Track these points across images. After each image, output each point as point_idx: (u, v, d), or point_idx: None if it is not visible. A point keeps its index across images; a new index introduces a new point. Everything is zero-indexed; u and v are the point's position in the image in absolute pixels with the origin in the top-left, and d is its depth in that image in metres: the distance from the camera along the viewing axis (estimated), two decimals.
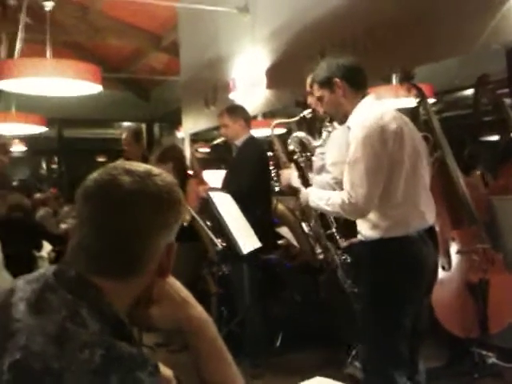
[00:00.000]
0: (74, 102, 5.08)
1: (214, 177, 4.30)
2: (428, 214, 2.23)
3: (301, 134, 2.81)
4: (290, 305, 3.97)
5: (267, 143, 3.37)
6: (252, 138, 3.80)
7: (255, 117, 4.93)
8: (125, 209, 0.94)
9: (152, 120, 10.25)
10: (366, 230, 2.23)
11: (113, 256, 0.95)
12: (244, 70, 4.87)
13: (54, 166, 10.81)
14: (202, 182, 3.99)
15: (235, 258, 3.26)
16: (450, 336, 3.02)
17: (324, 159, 2.73)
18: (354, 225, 2.31)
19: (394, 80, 4.09)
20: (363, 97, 2.25)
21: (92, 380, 0.82)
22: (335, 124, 2.51)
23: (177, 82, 6.79)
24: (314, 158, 2.85)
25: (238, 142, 3.77)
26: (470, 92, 4.42)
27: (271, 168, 3.63)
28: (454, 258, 3.07)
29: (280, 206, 4.02)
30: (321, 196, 2.30)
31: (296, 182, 2.54)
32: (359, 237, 2.29)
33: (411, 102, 2.98)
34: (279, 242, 4.13)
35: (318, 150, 2.82)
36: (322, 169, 2.73)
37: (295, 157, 2.70)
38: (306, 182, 2.50)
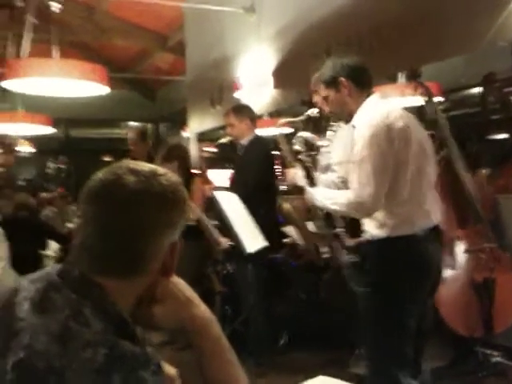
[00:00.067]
0: (81, 102, 5.10)
1: (219, 176, 4.30)
2: (434, 212, 2.23)
3: (305, 134, 2.81)
4: (294, 303, 3.97)
5: (273, 142, 3.37)
6: (258, 138, 3.80)
7: (261, 116, 4.93)
8: (129, 208, 0.95)
9: (158, 120, 10.27)
10: (372, 228, 2.23)
11: (117, 255, 0.95)
12: (250, 69, 4.86)
13: (61, 166, 10.85)
14: (207, 181, 4.00)
15: (240, 256, 3.26)
16: (454, 335, 3.01)
17: (329, 158, 2.73)
18: (359, 224, 2.31)
19: (400, 79, 4.08)
20: (368, 96, 2.25)
21: (95, 379, 0.82)
22: (340, 123, 2.51)
23: (183, 82, 6.80)
24: (319, 157, 2.85)
25: (244, 141, 3.77)
26: (476, 90, 4.40)
27: (277, 167, 3.63)
28: (460, 257, 3.06)
29: (285, 205, 4.02)
30: (327, 195, 2.30)
31: (301, 181, 2.54)
32: (365, 236, 2.29)
33: (417, 100, 2.97)
34: (284, 240, 4.13)
35: (323, 149, 2.82)
36: (327, 168, 2.73)
37: (300, 156, 2.70)
38: (312, 182, 2.50)
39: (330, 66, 2.29)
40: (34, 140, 9.15)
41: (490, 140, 4.45)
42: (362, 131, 2.14)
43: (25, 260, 3.74)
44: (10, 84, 3.65)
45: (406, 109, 2.37)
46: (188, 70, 6.45)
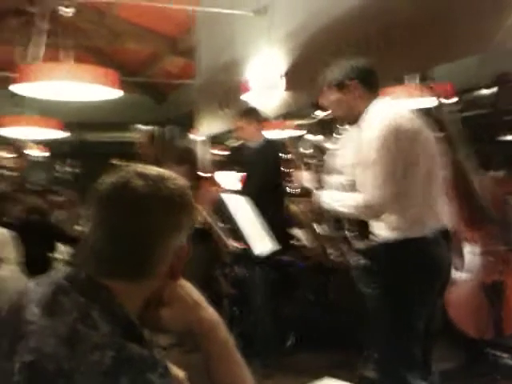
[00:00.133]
0: (91, 105, 5.14)
1: (228, 178, 4.31)
2: (443, 214, 2.22)
3: (313, 137, 2.81)
4: (302, 305, 3.97)
5: (282, 145, 3.38)
6: (266, 140, 3.81)
7: (271, 118, 4.93)
8: (137, 212, 0.96)
9: (168, 123, 10.29)
10: (380, 231, 2.22)
11: (125, 258, 0.96)
12: (260, 72, 4.87)
13: (71, 169, 10.91)
14: (215, 183, 4.01)
15: (248, 258, 3.27)
16: (464, 337, 2.99)
17: (338, 160, 2.73)
18: (368, 226, 2.30)
19: (410, 80, 4.06)
20: (376, 98, 2.24)
21: (102, 381, 0.83)
22: (349, 125, 2.51)
23: (193, 85, 6.82)
24: (327, 160, 2.85)
25: (253, 143, 3.78)
26: (489, 91, 4.37)
27: (285, 169, 3.63)
28: (470, 259, 3.04)
29: (293, 207, 4.02)
30: (335, 197, 2.30)
31: (309, 183, 2.54)
32: (374, 238, 2.28)
33: (427, 102, 2.96)
34: (292, 242, 4.13)
35: (331, 152, 2.82)
36: (335, 170, 2.73)
37: (307, 159, 2.70)
38: (319, 184, 2.50)
39: (338, 68, 2.30)
40: (45, 144, 9.22)
41: (503, 141, 4.41)
42: (371, 133, 2.13)
43: (35, 263, 3.77)
44: (22, 88, 3.69)
45: (416, 110, 2.36)
46: (198, 73, 6.47)
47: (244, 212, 3.32)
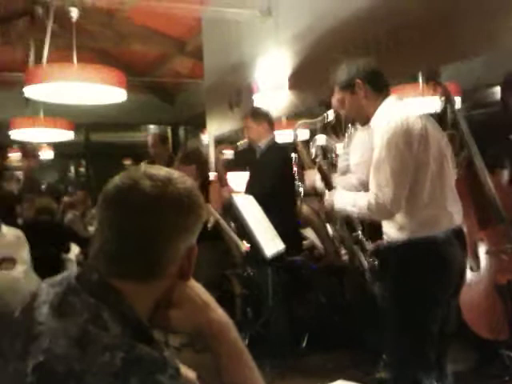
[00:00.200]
0: (101, 107, 5.15)
1: (238, 178, 4.31)
2: (455, 214, 2.20)
3: (321, 140, 2.81)
4: (315, 306, 3.96)
5: (291, 145, 3.38)
6: (275, 142, 3.81)
7: (279, 119, 4.93)
8: (146, 213, 0.95)
9: (177, 123, 10.33)
10: (392, 231, 2.21)
11: (134, 259, 0.96)
12: (267, 72, 4.87)
13: (82, 170, 10.98)
14: (225, 184, 4.01)
15: (259, 259, 3.26)
16: (477, 338, 2.97)
17: (348, 160, 2.72)
18: (380, 227, 2.29)
19: (419, 79, 4.04)
20: (385, 98, 2.23)
21: (112, 383, 0.83)
22: (358, 126, 2.50)
23: (201, 86, 6.83)
24: (338, 160, 2.84)
25: (262, 144, 3.77)
26: (497, 90, 4.34)
27: (296, 169, 3.62)
28: (483, 259, 3.01)
29: (305, 208, 4.01)
30: (346, 198, 2.29)
31: (320, 185, 2.54)
32: (385, 239, 2.27)
33: (437, 101, 2.94)
34: (303, 243, 4.12)
35: (341, 151, 2.81)
36: (346, 170, 2.72)
37: (318, 160, 2.70)
38: (330, 186, 2.49)
39: (345, 68, 2.29)
40: (55, 145, 9.28)
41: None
42: (381, 134, 2.12)
43: (46, 263, 3.79)
44: (31, 91, 3.71)
45: (426, 109, 2.34)
46: (206, 73, 6.48)
47: (253, 213, 3.31)
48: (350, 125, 2.74)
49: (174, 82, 9.01)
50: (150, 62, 8.50)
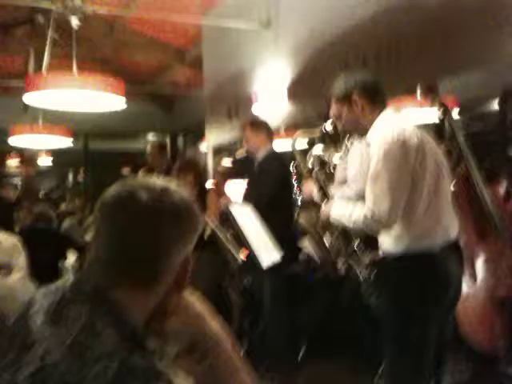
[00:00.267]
0: (99, 115, 5.17)
1: (236, 187, 4.31)
2: (451, 228, 2.21)
3: (318, 152, 2.81)
4: (312, 316, 3.95)
5: (289, 156, 3.39)
6: (273, 152, 3.81)
7: (278, 129, 4.95)
8: (142, 223, 0.96)
9: (176, 132, 10.35)
10: (388, 244, 2.21)
11: (129, 269, 0.96)
12: (267, 82, 4.89)
13: (80, 178, 10.99)
14: (222, 194, 4.01)
15: (257, 269, 3.26)
16: (474, 351, 2.96)
17: (345, 171, 2.72)
18: (376, 239, 2.29)
19: (418, 92, 4.06)
20: (381, 110, 2.24)
21: None
22: (355, 138, 2.51)
23: (200, 96, 6.86)
24: (335, 172, 2.84)
25: (260, 154, 3.78)
26: (494, 103, 4.35)
27: (294, 180, 3.62)
28: (480, 272, 3.01)
29: (301, 219, 4.01)
30: (342, 211, 2.29)
31: (317, 195, 2.54)
32: (381, 251, 2.27)
33: (435, 113, 2.96)
34: (300, 254, 4.11)
35: (339, 163, 2.81)
36: (343, 183, 2.72)
37: (314, 173, 2.70)
38: (326, 197, 2.50)
39: (342, 81, 2.30)
40: (53, 152, 9.28)
41: (509, 156, 4.39)
42: (377, 147, 2.13)
43: (43, 270, 3.77)
44: (30, 98, 3.72)
45: (423, 122, 2.35)
46: (205, 83, 6.51)
47: (251, 222, 3.31)
48: (347, 136, 2.75)
49: (174, 91, 9.03)
50: (149, 70, 8.54)
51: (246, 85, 5.30)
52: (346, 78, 2.30)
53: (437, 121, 3.35)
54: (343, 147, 2.83)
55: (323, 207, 2.43)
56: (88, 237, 5.84)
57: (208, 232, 3.54)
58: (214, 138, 6.37)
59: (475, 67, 3.15)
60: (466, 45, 3.02)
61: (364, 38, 3.80)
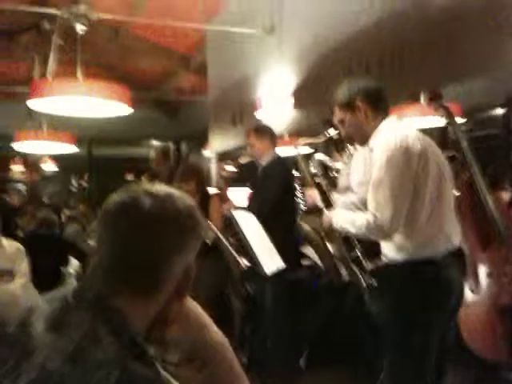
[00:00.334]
0: (104, 121, 5.18)
1: (240, 194, 4.30)
2: (454, 235, 2.20)
3: (322, 156, 2.81)
4: (313, 324, 3.94)
5: (293, 163, 3.39)
6: (277, 158, 3.81)
7: (282, 135, 4.95)
8: (144, 230, 0.96)
9: (180, 138, 10.37)
10: (390, 252, 2.21)
11: (131, 276, 0.96)
12: (271, 88, 4.90)
13: (84, 184, 11.01)
14: (226, 200, 4.01)
15: (259, 276, 3.25)
16: (476, 358, 2.94)
17: (349, 178, 2.72)
18: (378, 247, 2.28)
19: (422, 99, 4.06)
20: (384, 118, 2.24)
21: None
22: (358, 145, 2.50)
23: (205, 101, 6.87)
24: (338, 179, 2.84)
25: (264, 160, 3.78)
26: (500, 111, 4.35)
27: (298, 187, 3.62)
28: (483, 280, 3.00)
29: (305, 226, 4.01)
30: (345, 217, 2.28)
31: (320, 202, 2.54)
32: (384, 259, 2.26)
33: (439, 120, 2.95)
34: (303, 261, 4.11)
35: (342, 170, 2.81)
36: (346, 189, 2.72)
37: (317, 179, 2.70)
38: (329, 204, 2.49)
39: (345, 88, 2.30)
40: (58, 158, 9.30)
41: None
42: (380, 153, 2.13)
43: (46, 276, 3.78)
44: (35, 104, 3.73)
45: (428, 129, 2.35)
46: (210, 89, 6.52)
47: (255, 230, 3.31)
48: (350, 144, 2.74)
49: (178, 97, 9.06)
50: (154, 77, 8.57)
51: (251, 91, 5.31)
52: (350, 85, 2.31)
53: (440, 127, 3.35)
54: (347, 153, 2.83)
55: (325, 214, 2.43)
56: (91, 242, 5.85)
57: (210, 238, 3.54)
58: (218, 143, 6.38)
59: (478, 74, 3.14)
60: (470, 52, 3.02)
61: (368, 45, 3.80)
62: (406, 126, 2.28)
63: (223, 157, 6.44)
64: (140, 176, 5.23)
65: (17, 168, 10.33)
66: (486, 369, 3.05)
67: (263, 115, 4.86)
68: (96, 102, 3.60)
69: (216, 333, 1.06)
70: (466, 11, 3.07)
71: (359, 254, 2.50)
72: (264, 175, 3.78)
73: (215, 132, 6.44)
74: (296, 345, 3.79)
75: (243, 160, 4.12)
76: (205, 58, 6.60)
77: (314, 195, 2.62)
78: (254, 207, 3.54)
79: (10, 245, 3.51)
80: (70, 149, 6.13)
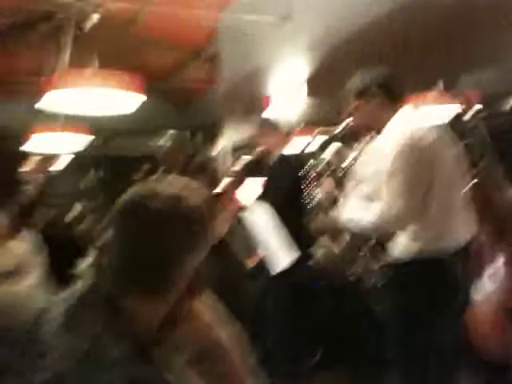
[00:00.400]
0: (116, 115, 5.16)
1: (253, 185, 4.26)
2: (463, 232, 2.17)
3: (337, 148, 2.79)
4: (319, 324, 3.92)
5: (307, 154, 3.36)
6: (283, 156, 3.77)
7: (297, 125, 4.93)
8: (153, 231, 0.96)
9: (192, 131, 10.36)
10: (397, 249, 2.19)
11: (142, 275, 0.96)
12: (285, 78, 4.88)
13: (96, 180, 11.01)
14: (233, 198, 3.98)
15: (264, 276, 3.24)
16: (485, 359, 2.90)
17: (362, 170, 2.70)
18: (385, 246, 2.27)
19: (438, 88, 4.02)
20: (400, 107, 2.22)
21: None
22: (373, 134, 2.48)
23: (217, 93, 6.85)
24: (352, 169, 2.82)
25: (272, 157, 3.75)
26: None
27: (310, 181, 3.59)
28: (493, 280, 2.95)
29: (314, 223, 3.97)
30: (359, 207, 2.27)
31: (334, 193, 2.52)
32: (391, 257, 2.24)
33: (455, 109, 2.92)
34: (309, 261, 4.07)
35: (356, 161, 2.79)
36: (360, 179, 2.70)
37: (332, 169, 2.68)
38: (343, 194, 2.48)
39: (361, 76, 2.28)
40: (69, 155, 9.32)
41: None
42: (394, 144, 2.11)
43: (57, 275, 3.78)
44: (49, 98, 3.69)
45: (442, 119, 2.32)
46: (222, 82, 6.50)
47: (266, 222, 3.29)
48: (364, 134, 2.72)
49: (190, 89, 9.04)
50: (165, 69, 8.56)
51: (263, 83, 5.28)
52: (365, 74, 2.29)
53: (456, 116, 3.31)
54: (361, 144, 2.80)
55: (336, 207, 2.41)
56: (103, 241, 5.86)
57: (219, 235, 3.51)
58: (229, 137, 6.37)
59: (491, 65, 3.11)
60: (487, 40, 2.98)
61: (383, 34, 3.76)
62: (421, 118, 2.26)
63: (235, 150, 6.43)
64: (152, 171, 5.21)
65: (28, 166, 10.35)
66: (495, 370, 3.02)
67: (276, 107, 4.84)
68: (111, 94, 3.57)
69: (226, 333, 1.06)
70: (479, 2, 3.03)
71: (367, 251, 2.48)
72: (270, 175, 3.75)
73: (228, 124, 6.43)
74: (298, 345, 3.77)
75: (254, 154, 4.08)
76: (217, 49, 6.58)
77: (329, 186, 2.60)
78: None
79: (19, 244, 3.49)
80: (83, 143, 6.14)
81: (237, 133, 6.15)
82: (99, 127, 8.25)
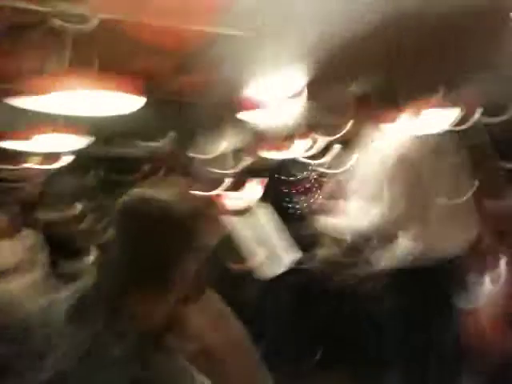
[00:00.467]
0: (115, 117, 5.17)
1: (255, 184, 4.26)
2: (464, 235, 2.18)
3: (337, 152, 2.82)
4: (317, 325, 3.93)
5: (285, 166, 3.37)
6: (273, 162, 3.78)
7: (295, 129, 4.95)
8: (154, 232, 0.99)
9: (188, 136, 10.38)
10: (398, 253, 2.19)
11: (141, 277, 0.99)
12: (282, 83, 4.89)
13: (96, 180, 11.03)
14: (223, 207, 3.99)
15: (261, 278, 3.25)
16: (485, 364, 2.91)
17: (362, 173, 2.71)
18: (382, 251, 2.27)
19: (439, 93, 4.04)
20: (400, 112, 2.23)
21: None
22: (371, 140, 2.50)
23: (213, 99, 6.87)
24: (352, 172, 2.84)
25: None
26: None
27: (309, 184, 3.59)
28: (501, 276, 2.97)
29: (313, 226, 3.99)
30: (359, 209, 2.28)
31: (336, 196, 2.53)
32: (388, 263, 2.25)
33: (457, 113, 2.94)
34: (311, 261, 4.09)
35: (355, 165, 2.81)
36: (360, 182, 2.71)
37: (332, 172, 2.70)
38: (343, 197, 2.49)
39: (359, 83, 2.30)
40: (67, 156, 9.31)
41: None
42: (393, 150, 2.13)
43: (59, 273, 3.78)
44: (45, 101, 3.68)
45: (440, 125, 2.34)
46: (216, 88, 6.53)
47: (266, 226, 3.29)
48: (363, 138, 2.74)
49: (186, 95, 9.07)
50: (160, 75, 8.59)
51: (256, 90, 5.30)
52: (364, 80, 2.31)
53: (456, 123, 3.32)
54: (360, 149, 2.82)
55: (338, 207, 2.43)
56: (103, 239, 5.86)
57: (217, 236, 3.51)
58: (229, 139, 6.41)
59: (493, 71, 3.13)
60: (482, 48, 3.00)
61: (377, 42, 3.77)
62: (420, 124, 2.27)
63: (228, 155, 6.46)
64: (152, 173, 5.22)
65: (29, 165, 10.36)
66: (496, 372, 3.02)
67: (270, 114, 4.85)
68: (110, 97, 3.56)
69: (224, 335, 1.07)
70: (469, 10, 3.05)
71: (366, 255, 2.49)
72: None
73: (223, 130, 6.47)
74: (297, 345, 3.78)
75: (248, 160, 4.09)
76: (210, 57, 6.60)
77: (329, 189, 2.61)
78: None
79: (19, 243, 3.50)
80: (83, 143, 6.13)
81: (237, 134, 6.19)
82: (99, 128, 8.28)
